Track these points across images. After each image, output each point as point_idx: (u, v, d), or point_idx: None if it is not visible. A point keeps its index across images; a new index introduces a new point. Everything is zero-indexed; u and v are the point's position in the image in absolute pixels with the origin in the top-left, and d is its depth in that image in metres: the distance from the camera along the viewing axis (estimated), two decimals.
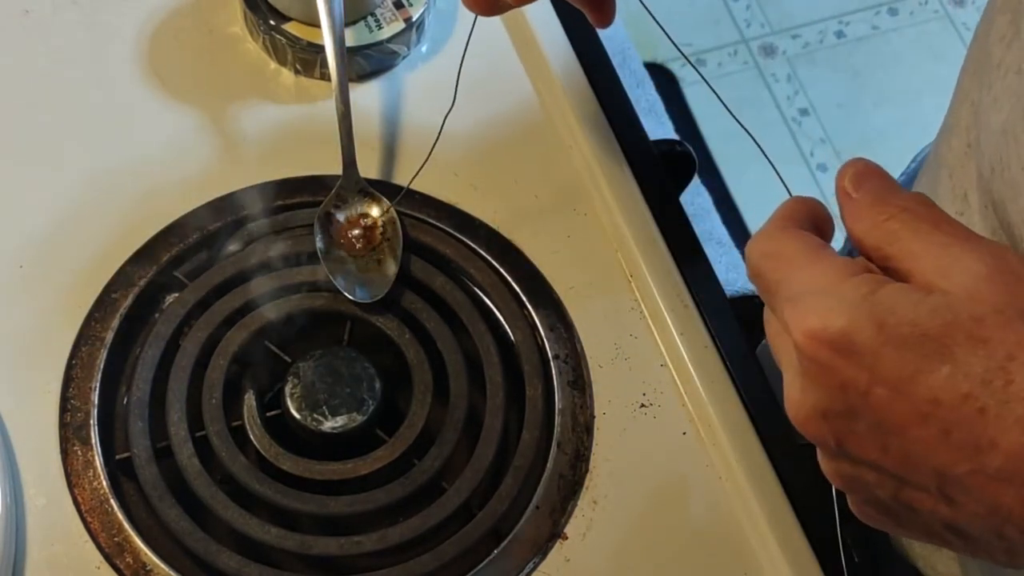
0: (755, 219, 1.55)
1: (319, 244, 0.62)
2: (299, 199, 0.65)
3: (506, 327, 0.63)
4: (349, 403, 0.59)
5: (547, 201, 0.67)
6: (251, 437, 0.59)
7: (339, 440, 0.59)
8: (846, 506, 0.42)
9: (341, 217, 0.63)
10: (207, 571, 0.56)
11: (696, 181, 0.75)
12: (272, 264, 0.63)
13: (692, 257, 0.67)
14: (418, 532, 0.57)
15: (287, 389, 0.59)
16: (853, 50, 1.95)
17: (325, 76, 0.68)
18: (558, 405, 0.61)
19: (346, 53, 0.65)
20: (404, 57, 0.70)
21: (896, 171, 0.72)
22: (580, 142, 0.69)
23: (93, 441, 0.57)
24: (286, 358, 0.61)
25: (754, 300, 0.70)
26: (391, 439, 0.59)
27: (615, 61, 0.72)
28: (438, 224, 0.65)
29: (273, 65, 0.69)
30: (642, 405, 0.62)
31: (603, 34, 0.72)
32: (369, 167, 0.66)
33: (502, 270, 0.65)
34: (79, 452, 0.57)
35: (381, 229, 0.63)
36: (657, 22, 0.58)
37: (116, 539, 0.56)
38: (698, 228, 0.68)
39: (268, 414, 0.60)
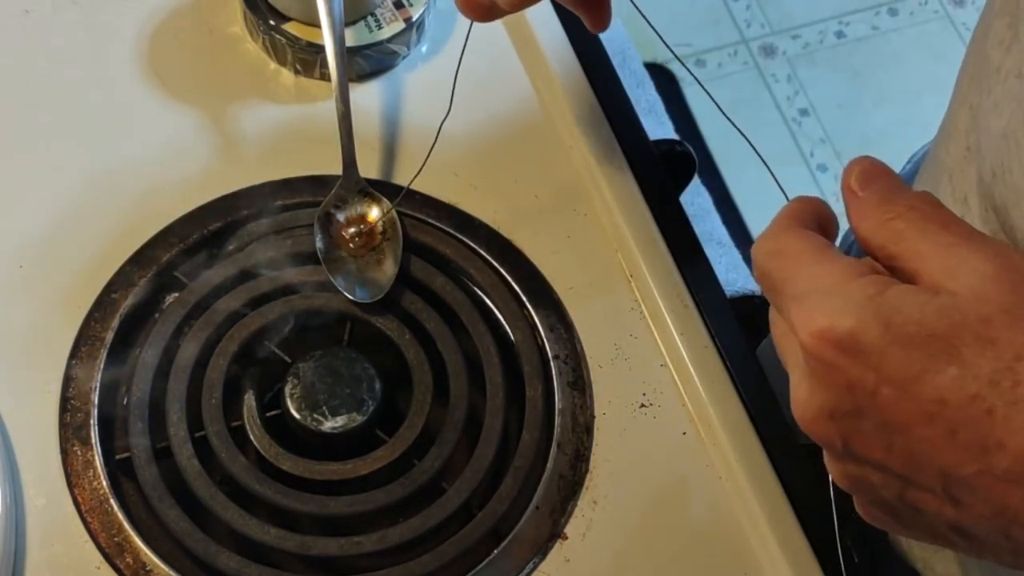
0: (755, 219, 1.55)
1: (319, 244, 0.62)
2: (299, 199, 0.65)
3: (506, 327, 0.63)
4: (349, 403, 0.59)
5: (547, 201, 0.67)
6: (251, 437, 0.59)
7: (339, 440, 0.59)
8: (844, 506, 0.42)
9: (341, 217, 0.63)
10: (207, 571, 0.56)
11: (696, 181, 0.75)
12: (272, 264, 0.63)
13: (692, 257, 0.67)
14: (418, 532, 0.57)
15: (287, 389, 0.59)
16: (853, 50, 1.95)
17: (325, 76, 0.68)
18: (558, 405, 0.61)
19: (346, 53, 0.65)
20: (404, 57, 0.70)
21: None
22: (580, 142, 0.69)
23: (93, 441, 0.57)
24: (286, 358, 0.61)
25: (754, 300, 0.71)
26: (391, 439, 0.59)
27: (615, 61, 0.72)
28: (438, 224, 0.65)
29: (273, 65, 0.69)
30: (642, 405, 0.62)
31: (603, 34, 0.72)
32: (369, 167, 0.66)
33: (502, 270, 0.65)
34: (79, 452, 0.57)
35: (381, 229, 0.63)
36: (648, 22, 0.58)
37: (116, 539, 0.56)
38: (698, 228, 0.68)
39: (268, 414, 0.60)
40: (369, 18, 0.68)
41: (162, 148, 0.66)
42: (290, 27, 0.67)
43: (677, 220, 0.68)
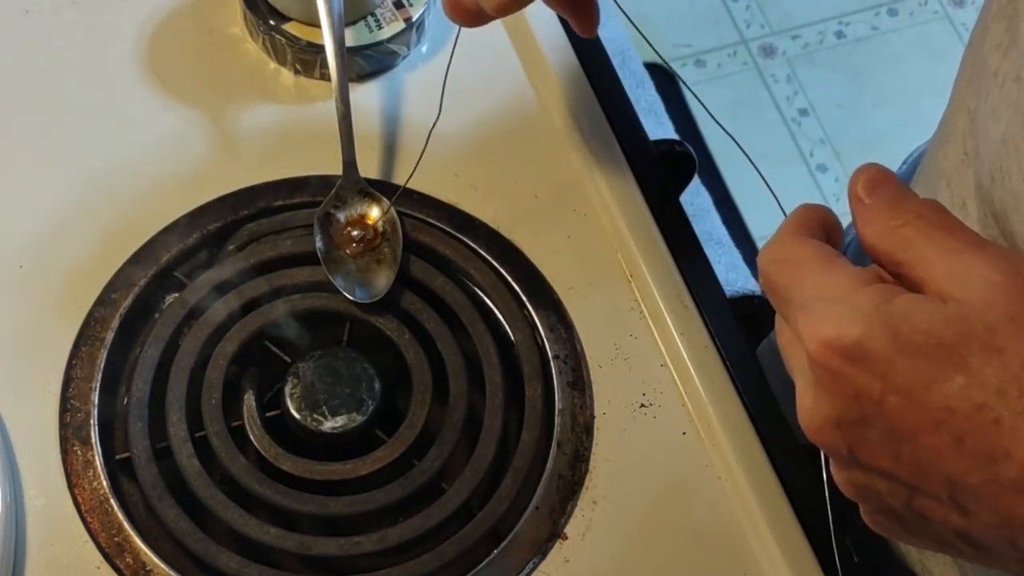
0: (755, 219, 1.55)
1: (319, 244, 0.62)
2: (299, 199, 0.65)
3: (506, 327, 0.63)
4: (349, 403, 0.59)
5: (547, 201, 0.67)
6: (251, 437, 0.59)
7: (339, 440, 0.59)
8: (844, 509, 0.42)
9: (341, 217, 0.63)
10: (207, 571, 0.56)
11: (696, 181, 0.75)
12: (272, 264, 0.63)
13: (692, 257, 0.67)
14: (418, 532, 0.57)
15: (287, 389, 0.59)
16: (853, 51, 1.95)
17: (325, 76, 0.68)
18: (558, 405, 0.61)
19: (346, 53, 0.65)
20: (404, 57, 0.70)
21: None
22: (580, 142, 0.69)
23: (93, 441, 0.57)
24: (286, 358, 0.61)
25: (754, 300, 0.71)
26: (391, 439, 0.59)
27: (615, 61, 0.72)
28: (438, 224, 0.65)
29: (273, 65, 0.69)
30: (642, 405, 0.62)
31: (603, 34, 0.72)
32: (369, 167, 0.66)
33: (502, 270, 0.65)
34: (79, 452, 0.57)
35: (381, 229, 0.63)
36: (636, 27, 0.58)
37: (116, 539, 0.56)
38: (698, 228, 0.68)
39: (268, 414, 0.60)
40: (369, 18, 0.68)
41: (162, 148, 0.66)
42: (290, 27, 0.67)
43: (677, 220, 0.68)
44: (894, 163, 0.71)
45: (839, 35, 1.96)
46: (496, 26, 0.71)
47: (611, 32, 0.73)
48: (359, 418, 0.59)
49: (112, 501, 0.56)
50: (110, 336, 0.60)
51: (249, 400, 0.60)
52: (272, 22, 0.68)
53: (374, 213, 0.64)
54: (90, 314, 0.61)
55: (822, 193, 1.80)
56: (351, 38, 0.67)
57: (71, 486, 0.57)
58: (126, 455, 0.58)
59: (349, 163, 0.64)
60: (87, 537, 0.56)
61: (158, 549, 0.56)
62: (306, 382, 0.59)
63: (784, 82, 1.90)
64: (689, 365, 0.63)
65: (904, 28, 1.98)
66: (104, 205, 0.64)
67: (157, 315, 0.62)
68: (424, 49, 0.71)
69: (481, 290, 0.64)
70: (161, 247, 0.63)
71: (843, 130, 1.87)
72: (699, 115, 1.67)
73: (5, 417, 0.58)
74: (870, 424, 0.36)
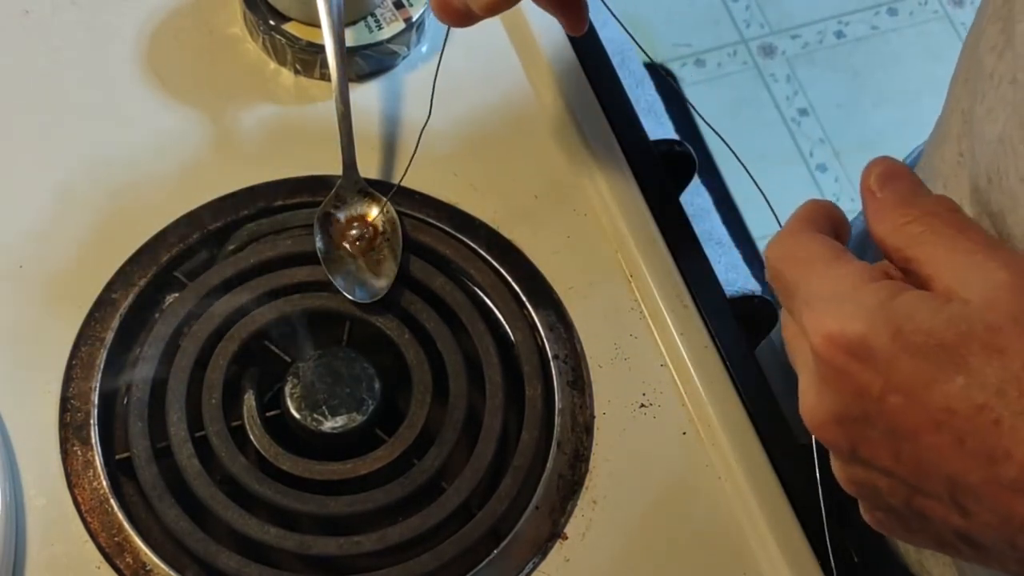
0: (755, 219, 1.55)
1: (319, 244, 0.62)
2: (299, 199, 0.65)
3: (506, 327, 0.63)
4: (349, 403, 0.59)
5: (547, 201, 0.67)
6: (251, 437, 0.59)
7: (339, 440, 0.59)
8: (843, 508, 0.42)
9: (341, 217, 0.63)
10: (207, 571, 0.56)
11: (696, 181, 0.75)
12: (272, 264, 0.63)
13: (692, 257, 0.67)
14: (418, 532, 0.57)
15: (287, 389, 0.59)
16: (853, 50, 1.95)
17: (325, 76, 0.68)
18: (558, 405, 0.61)
19: (346, 53, 0.65)
20: (404, 57, 0.70)
21: None
22: (580, 142, 0.69)
23: (93, 441, 0.57)
24: (286, 358, 0.61)
25: (754, 300, 0.71)
26: (391, 439, 0.59)
27: (615, 61, 0.72)
28: (438, 224, 0.65)
29: (273, 65, 0.69)
30: (642, 405, 0.62)
31: (603, 34, 0.72)
32: (369, 167, 0.66)
33: (502, 270, 0.65)
34: (79, 452, 0.57)
35: (381, 229, 0.64)
36: (628, 32, 0.58)
37: (116, 539, 0.56)
38: (698, 228, 0.68)
39: (268, 414, 0.60)
40: (369, 18, 0.68)
41: (162, 148, 0.66)
42: (290, 27, 0.67)
43: (677, 220, 0.68)
44: None
45: (839, 35, 1.96)
46: (495, 26, 0.71)
47: (611, 32, 0.72)
48: (359, 418, 0.59)
49: (112, 501, 0.56)
50: (110, 336, 0.60)
51: (249, 400, 0.60)
52: (272, 22, 0.68)
53: (374, 213, 0.64)
54: (90, 314, 0.61)
55: (822, 193, 1.80)
56: (351, 38, 0.67)
57: (71, 486, 0.57)
58: (126, 455, 0.58)
59: (349, 163, 0.64)
60: (87, 537, 0.56)
61: (158, 549, 0.56)
62: (306, 382, 0.59)
63: (784, 82, 1.90)
64: (689, 365, 0.63)
65: (904, 28, 1.98)
66: (104, 205, 0.64)
67: (157, 315, 0.62)
68: (424, 49, 0.71)
69: (481, 290, 0.64)
70: (161, 247, 0.63)
71: (843, 130, 1.87)
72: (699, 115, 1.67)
73: (5, 417, 0.58)
74: (871, 422, 0.36)
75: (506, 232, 0.66)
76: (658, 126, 0.73)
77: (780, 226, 0.42)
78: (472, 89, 0.69)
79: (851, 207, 0.52)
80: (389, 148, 0.67)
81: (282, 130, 0.68)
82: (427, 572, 0.57)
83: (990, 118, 0.43)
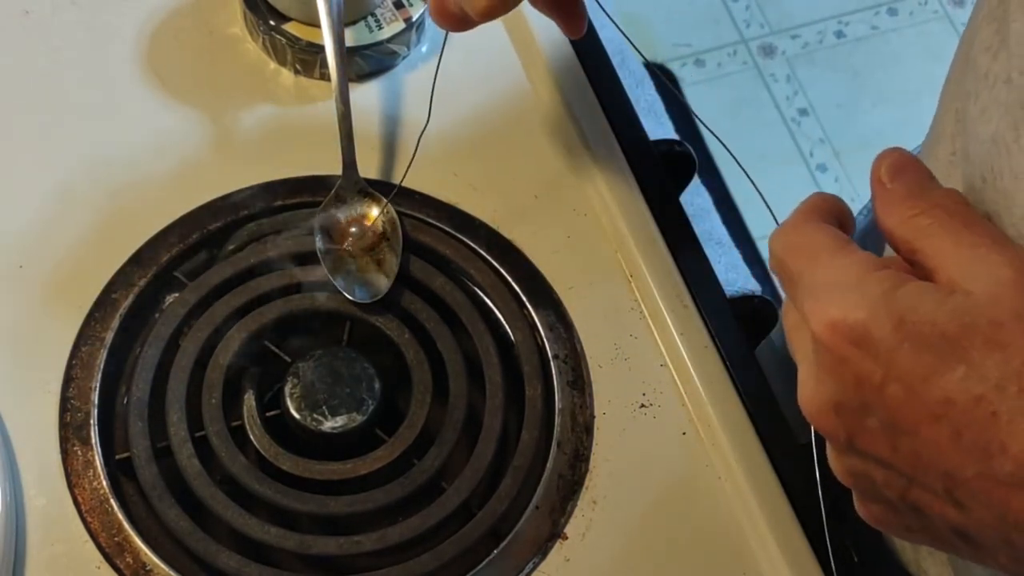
0: (755, 219, 1.55)
1: (319, 244, 0.62)
2: (299, 199, 0.65)
3: (506, 327, 0.63)
4: (349, 403, 0.59)
5: (547, 201, 0.67)
6: (251, 437, 0.59)
7: (339, 440, 0.59)
8: (843, 508, 0.42)
9: (341, 217, 0.63)
10: (207, 571, 0.56)
11: (696, 181, 0.75)
12: (272, 264, 0.63)
13: (692, 257, 0.67)
14: (418, 532, 0.57)
15: (287, 389, 0.59)
16: (852, 50, 1.95)
17: (325, 76, 0.68)
18: (558, 405, 0.61)
19: (346, 53, 0.65)
20: (404, 57, 0.70)
21: None
22: (580, 142, 0.69)
23: (93, 441, 0.57)
24: (286, 358, 0.61)
25: (754, 300, 0.71)
26: (391, 439, 0.59)
27: (615, 61, 0.72)
28: (438, 224, 0.65)
29: (273, 65, 0.69)
30: (642, 405, 0.62)
31: (603, 34, 0.72)
32: (369, 167, 0.66)
33: (502, 270, 0.65)
34: (79, 452, 0.57)
35: (381, 229, 0.64)
36: (624, 34, 0.58)
37: (116, 539, 0.56)
38: (698, 228, 0.68)
39: (268, 414, 0.60)
40: (369, 18, 0.68)
41: (162, 148, 0.66)
42: (290, 27, 0.67)
43: (677, 220, 0.68)
44: None
45: (839, 35, 1.96)
46: (495, 26, 0.71)
47: (611, 32, 0.72)
48: (359, 418, 0.59)
49: (112, 501, 0.56)
50: (110, 336, 0.60)
51: (249, 400, 0.60)
52: (272, 22, 0.68)
53: (374, 213, 0.64)
54: (90, 314, 0.61)
55: None
56: (351, 38, 0.67)
57: (71, 486, 0.57)
58: (126, 455, 0.58)
59: (349, 163, 0.64)
60: (87, 537, 0.56)
61: (158, 549, 0.56)
62: (306, 382, 0.59)
63: (784, 82, 1.90)
64: (689, 365, 0.63)
65: (904, 28, 1.98)
66: (104, 205, 0.64)
67: (157, 315, 0.62)
68: (424, 49, 0.71)
69: (481, 290, 0.64)
70: (161, 247, 0.63)
71: (843, 130, 1.87)
72: (699, 115, 1.68)
73: (5, 417, 0.58)
74: (870, 411, 0.37)
75: (506, 232, 0.66)
76: (658, 126, 0.73)
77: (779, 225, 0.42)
78: (472, 89, 0.69)
79: (851, 206, 0.52)
80: (389, 148, 0.67)
81: (282, 130, 0.68)
82: (427, 572, 0.57)
83: (984, 118, 0.43)
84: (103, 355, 0.59)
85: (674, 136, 0.74)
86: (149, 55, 0.69)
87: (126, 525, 0.56)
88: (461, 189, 0.67)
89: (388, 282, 0.62)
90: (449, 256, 0.65)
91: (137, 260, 0.62)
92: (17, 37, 0.68)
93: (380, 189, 0.64)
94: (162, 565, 0.55)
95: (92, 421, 0.58)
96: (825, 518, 0.54)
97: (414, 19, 0.69)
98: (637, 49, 0.59)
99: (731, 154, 0.53)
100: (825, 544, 0.58)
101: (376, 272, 0.63)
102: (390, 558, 0.57)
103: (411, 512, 0.58)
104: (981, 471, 0.34)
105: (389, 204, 0.64)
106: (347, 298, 0.61)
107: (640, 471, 0.61)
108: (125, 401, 0.59)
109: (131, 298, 0.61)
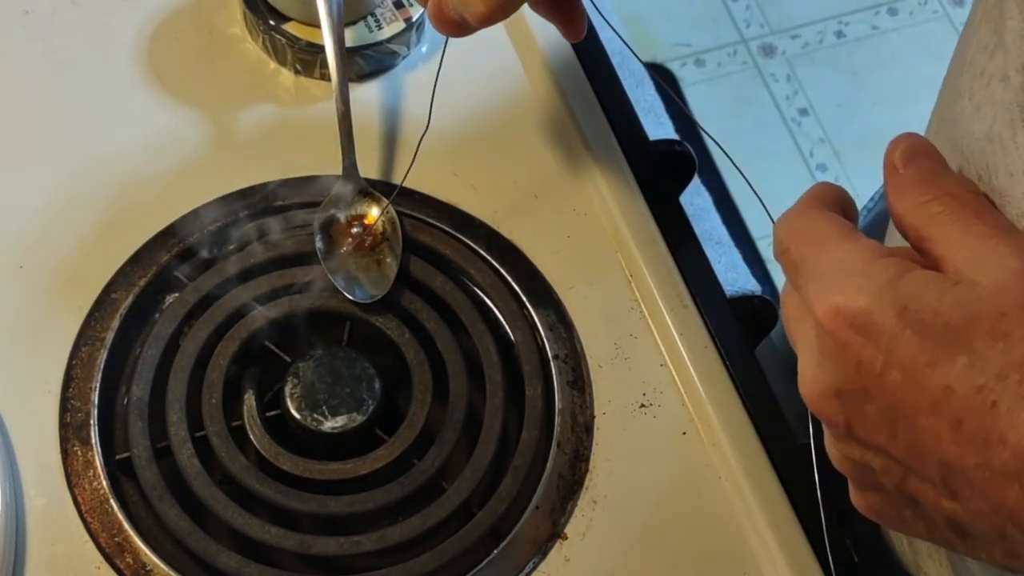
0: (755, 219, 1.55)
1: (319, 244, 0.62)
2: (299, 199, 0.65)
3: (506, 327, 0.63)
4: (349, 403, 0.59)
5: (547, 201, 0.67)
6: (251, 437, 0.59)
7: (339, 440, 0.59)
8: (843, 507, 0.42)
9: (341, 217, 0.63)
10: (207, 571, 0.56)
11: (696, 181, 0.75)
12: (272, 264, 0.63)
13: (692, 257, 0.67)
14: (418, 532, 0.57)
15: (287, 389, 0.59)
16: (852, 50, 1.95)
17: (325, 76, 0.68)
18: (558, 405, 0.61)
19: (346, 53, 0.65)
20: (404, 57, 0.70)
21: None
22: (580, 142, 0.69)
23: (93, 441, 0.57)
24: (286, 358, 0.61)
25: (754, 300, 0.71)
26: (391, 439, 0.59)
27: (615, 61, 0.72)
28: (438, 224, 0.65)
29: (273, 65, 0.69)
30: (642, 405, 0.62)
31: (603, 34, 0.72)
32: (369, 167, 0.66)
33: (502, 270, 0.65)
34: (79, 452, 0.57)
35: (381, 229, 0.64)
36: (622, 38, 0.58)
37: (116, 539, 0.56)
38: (698, 228, 0.68)
39: (268, 414, 0.60)
40: (369, 18, 0.68)
41: (162, 148, 0.66)
42: (290, 27, 0.67)
43: (677, 220, 0.68)
44: None
45: (839, 35, 1.96)
46: (496, 27, 0.70)
47: (611, 32, 0.72)
48: (359, 418, 0.59)
49: (112, 501, 0.56)
50: (110, 336, 0.60)
51: (249, 400, 0.60)
52: (272, 22, 0.68)
53: (374, 213, 0.64)
54: (90, 314, 0.61)
55: None
56: (351, 38, 0.67)
57: (71, 486, 0.57)
58: (126, 455, 0.58)
59: (349, 163, 0.64)
60: (87, 537, 0.56)
61: (158, 549, 0.56)
62: (306, 382, 0.59)
63: (784, 81, 1.91)
64: (689, 365, 0.63)
65: (904, 28, 1.98)
66: (104, 205, 0.64)
67: (157, 315, 0.62)
68: (424, 49, 0.71)
69: (481, 290, 0.64)
70: (161, 247, 0.63)
71: (843, 129, 1.87)
72: (699, 115, 1.68)
73: (5, 417, 0.58)
74: (869, 397, 0.36)
75: (506, 232, 0.66)
76: (658, 126, 0.73)
77: None
78: (472, 89, 0.70)
79: None
80: (389, 148, 0.67)
81: (282, 130, 0.68)
82: (427, 572, 0.57)
83: (978, 115, 0.43)
84: (103, 355, 0.59)
85: (674, 136, 0.74)
86: (149, 55, 0.69)
87: (126, 525, 0.56)
88: (461, 189, 0.67)
89: (388, 282, 0.62)
90: (449, 256, 0.65)
91: (137, 260, 0.62)
92: (17, 37, 0.68)
93: (380, 189, 0.64)
94: (162, 565, 0.55)
95: (92, 421, 0.58)
96: (825, 518, 0.54)
97: (414, 19, 0.69)
98: (635, 53, 0.59)
99: (728, 157, 0.53)
100: (825, 544, 0.58)
101: (376, 272, 0.63)
102: (390, 558, 0.57)
103: (411, 512, 0.58)
104: (979, 461, 0.34)
105: (389, 204, 0.64)
106: (347, 298, 0.61)
107: (640, 471, 0.61)
108: (125, 401, 0.59)
109: (131, 298, 0.61)
